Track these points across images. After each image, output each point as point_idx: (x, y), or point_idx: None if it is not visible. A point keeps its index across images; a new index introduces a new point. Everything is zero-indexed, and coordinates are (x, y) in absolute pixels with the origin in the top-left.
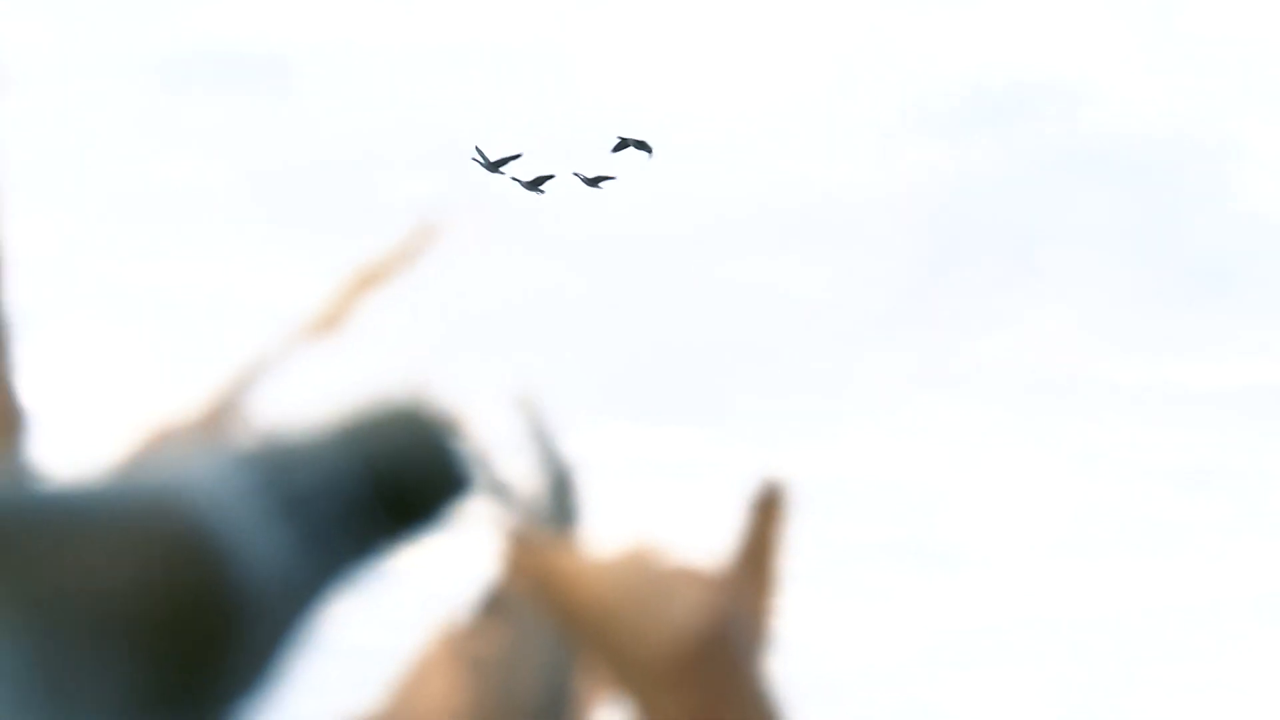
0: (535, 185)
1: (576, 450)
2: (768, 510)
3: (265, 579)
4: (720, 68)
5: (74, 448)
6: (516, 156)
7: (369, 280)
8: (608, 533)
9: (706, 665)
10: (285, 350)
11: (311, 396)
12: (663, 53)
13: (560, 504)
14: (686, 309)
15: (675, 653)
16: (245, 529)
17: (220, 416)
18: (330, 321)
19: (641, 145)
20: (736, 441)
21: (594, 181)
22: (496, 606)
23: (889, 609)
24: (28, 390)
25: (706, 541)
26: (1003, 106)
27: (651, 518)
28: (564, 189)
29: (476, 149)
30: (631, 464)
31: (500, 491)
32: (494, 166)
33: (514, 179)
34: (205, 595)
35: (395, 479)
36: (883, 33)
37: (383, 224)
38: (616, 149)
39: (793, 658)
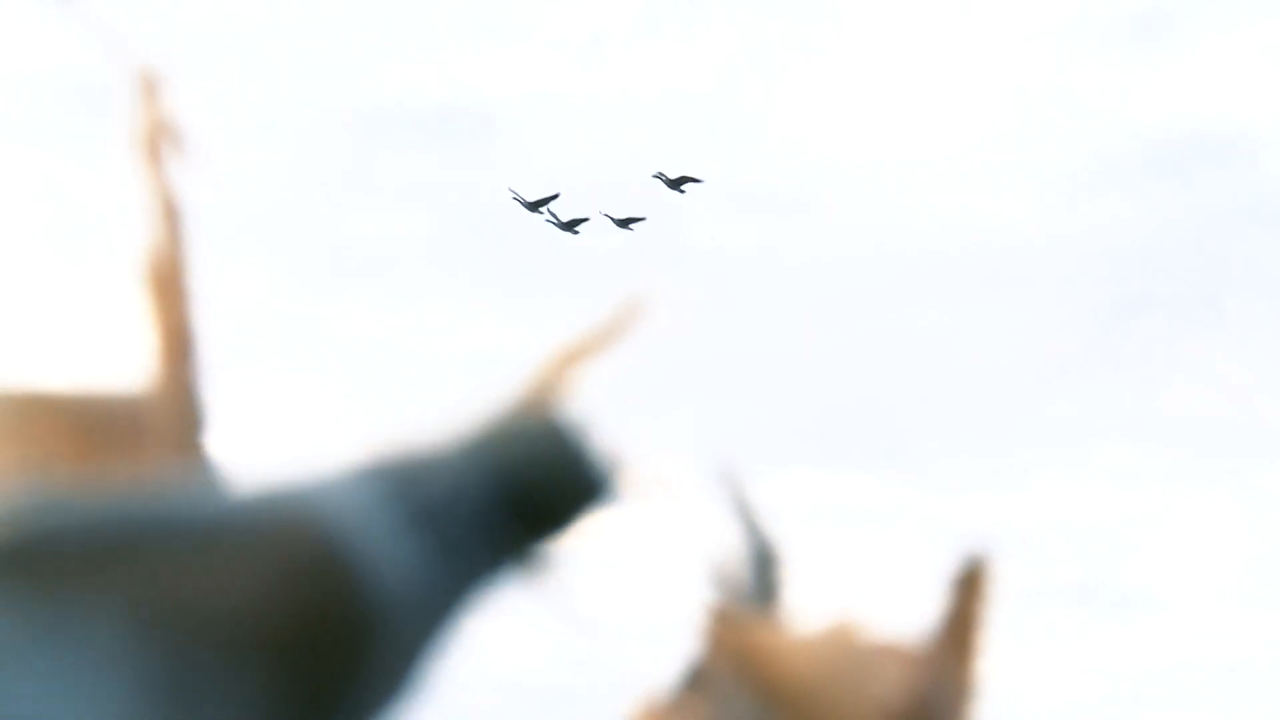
0: (570, 226)
1: (773, 513)
2: (970, 587)
3: (397, 589)
4: (904, 116)
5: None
6: (554, 197)
7: (577, 356)
8: (810, 608)
9: None
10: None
11: None
12: (849, 102)
13: (763, 580)
14: (868, 355)
15: None
16: (376, 540)
17: None
18: (540, 399)
19: (676, 184)
20: (920, 486)
21: (624, 223)
22: (699, 682)
23: (1075, 653)
24: (221, 441)
25: (902, 598)
26: (1186, 157)
27: (838, 565)
28: (748, 240)
29: (511, 191)
30: (815, 509)
31: (715, 574)
32: (533, 207)
33: (551, 219)
34: (337, 607)
35: (526, 487)
36: (1067, 83)
37: (580, 272)
38: (657, 177)
39: (982, 703)
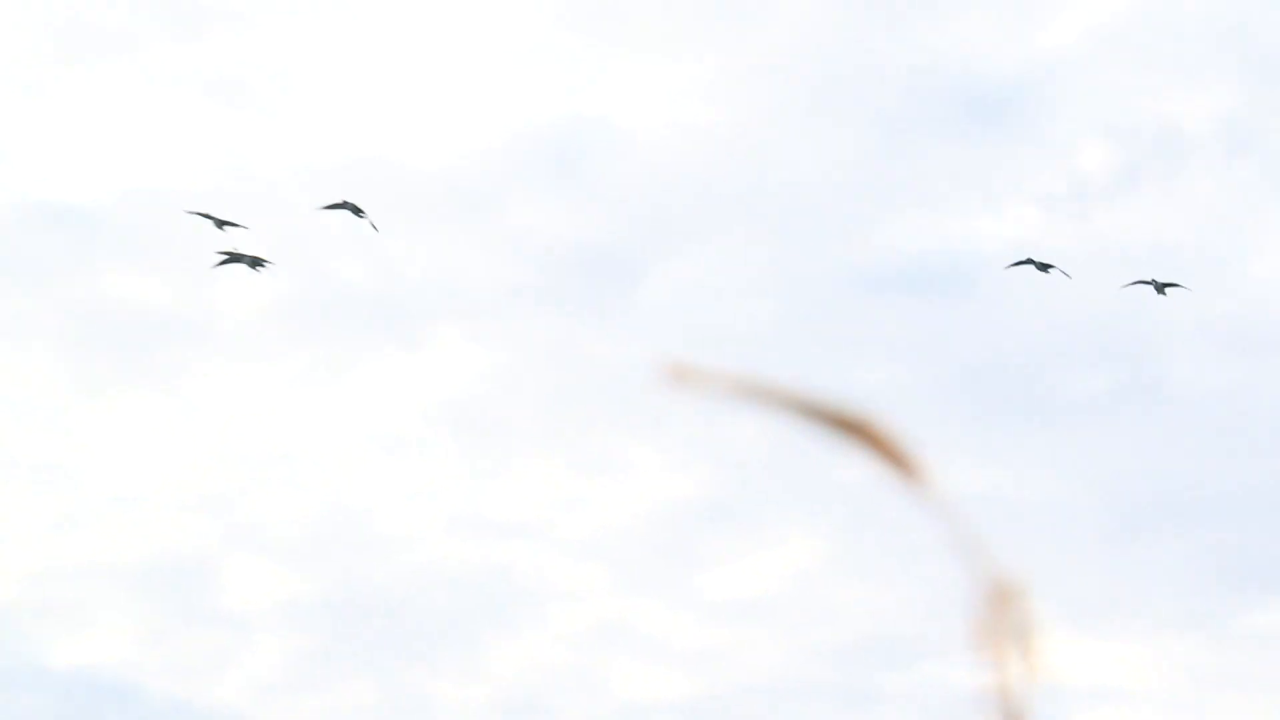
0: (254, 263)
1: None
2: None
3: None
4: None
5: None
6: (242, 228)
7: None
8: None
9: None
10: None
11: None
12: None
13: None
14: None
15: None
16: None
17: None
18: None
19: (357, 210)
20: None
21: (255, 262)
22: None
23: None
24: None
25: None
26: None
27: None
28: (1227, 380)
29: (200, 214)
30: None
31: None
32: (220, 224)
33: (228, 255)
34: None
35: None
36: None
37: (1060, 418)
38: (330, 207)
39: None
